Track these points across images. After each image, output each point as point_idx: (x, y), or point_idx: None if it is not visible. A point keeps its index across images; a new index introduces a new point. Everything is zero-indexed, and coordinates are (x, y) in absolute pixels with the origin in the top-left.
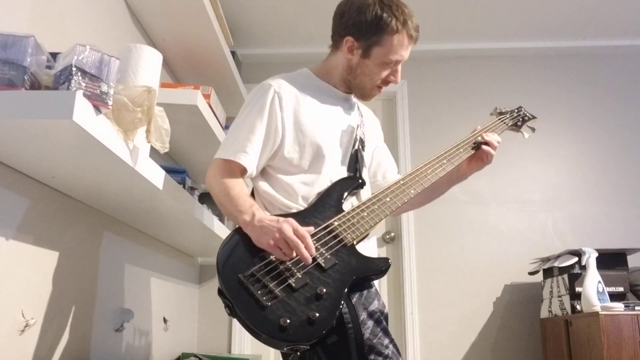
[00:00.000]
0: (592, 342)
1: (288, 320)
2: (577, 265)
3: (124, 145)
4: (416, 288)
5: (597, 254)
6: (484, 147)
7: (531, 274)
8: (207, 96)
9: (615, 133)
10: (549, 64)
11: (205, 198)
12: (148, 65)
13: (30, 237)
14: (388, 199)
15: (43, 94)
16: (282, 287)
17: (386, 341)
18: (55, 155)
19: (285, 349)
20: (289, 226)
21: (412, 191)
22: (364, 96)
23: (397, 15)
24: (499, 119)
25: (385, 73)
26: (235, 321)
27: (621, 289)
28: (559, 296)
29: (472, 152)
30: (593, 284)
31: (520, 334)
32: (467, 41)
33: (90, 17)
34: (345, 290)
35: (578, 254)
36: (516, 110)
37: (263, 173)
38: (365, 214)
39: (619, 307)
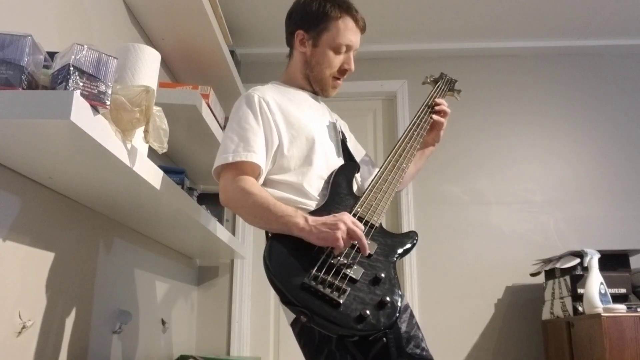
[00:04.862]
0: (594, 344)
1: (367, 311)
2: (579, 267)
3: (122, 146)
4: (417, 289)
5: (599, 255)
6: (435, 117)
7: (533, 275)
8: (205, 96)
9: (617, 133)
10: (549, 64)
11: (204, 199)
12: (146, 65)
13: (26, 237)
14: (390, 176)
15: (40, 93)
16: (345, 281)
17: (421, 334)
18: (53, 156)
19: (370, 338)
20: (349, 218)
21: (404, 165)
22: (324, 90)
23: (340, 3)
24: (437, 87)
25: (338, 61)
26: (234, 322)
27: (623, 291)
28: (561, 298)
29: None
30: (595, 285)
31: (522, 335)
32: (467, 41)
33: (88, 16)
34: (394, 268)
35: (580, 255)
36: (445, 76)
37: (267, 183)
38: (379, 194)
39: (621, 308)
